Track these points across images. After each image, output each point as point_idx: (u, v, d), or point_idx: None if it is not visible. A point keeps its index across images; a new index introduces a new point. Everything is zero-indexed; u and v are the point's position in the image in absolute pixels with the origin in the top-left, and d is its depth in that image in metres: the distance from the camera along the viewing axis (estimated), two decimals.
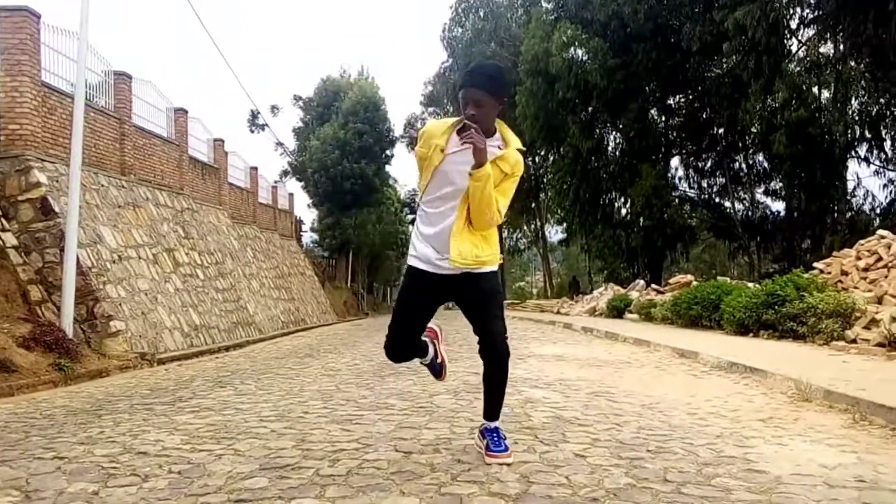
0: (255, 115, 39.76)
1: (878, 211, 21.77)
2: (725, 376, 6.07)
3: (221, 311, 14.27)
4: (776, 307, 8.84)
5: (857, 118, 20.41)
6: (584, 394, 5.22)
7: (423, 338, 3.41)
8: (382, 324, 3.26)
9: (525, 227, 42.76)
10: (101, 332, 9.23)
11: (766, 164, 25.39)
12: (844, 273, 9.50)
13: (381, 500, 2.61)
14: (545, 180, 34.42)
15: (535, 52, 24.17)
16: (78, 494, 2.80)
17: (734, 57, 20.19)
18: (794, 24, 20.63)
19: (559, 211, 31.38)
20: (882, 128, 20.38)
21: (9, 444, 3.88)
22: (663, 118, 27.15)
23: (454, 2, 34.69)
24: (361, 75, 37.34)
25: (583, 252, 35.59)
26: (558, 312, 22.06)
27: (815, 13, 19.88)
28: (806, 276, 9.73)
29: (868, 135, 20.73)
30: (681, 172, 28.34)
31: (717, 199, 27.71)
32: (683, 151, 27.71)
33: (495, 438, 3.15)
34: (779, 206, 25.84)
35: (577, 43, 23.70)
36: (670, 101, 26.74)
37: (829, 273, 9.77)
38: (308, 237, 38.92)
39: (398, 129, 39.15)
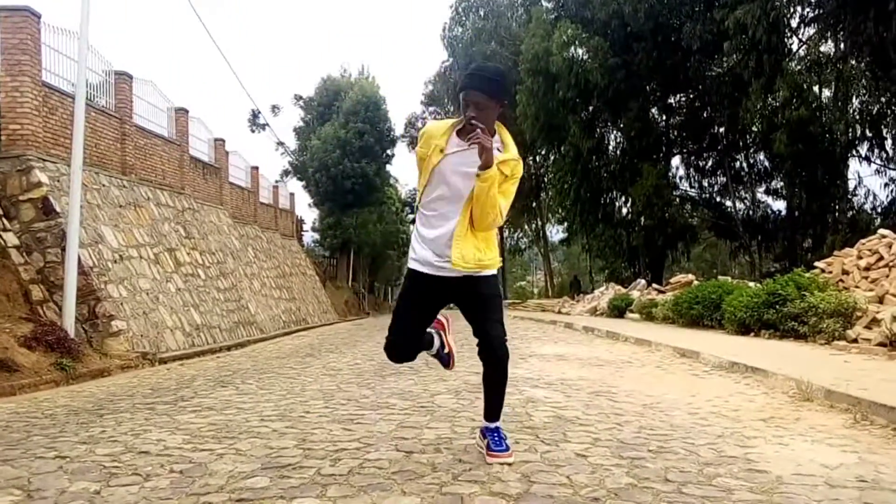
0: (255, 115, 39.81)
1: (879, 210, 21.74)
2: (726, 376, 6.07)
3: (223, 310, 14.28)
4: (777, 307, 8.84)
5: (857, 117, 20.39)
6: (585, 393, 5.22)
7: (429, 330, 3.42)
8: (384, 323, 3.27)
9: (526, 227, 42.79)
10: (102, 332, 9.24)
11: (766, 163, 25.36)
12: (845, 272, 9.49)
13: (383, 499, 2.61)
14: (546, 180, 34.41)
15: (535, 52, 24.16)
16: (80, 494, 2.80)
17: (735, 56, 20.17)
18: (794, 23, 20.62)
19: (560, 210, 31.36)
20: (883, 127, 20.35)
21: (11, 444, 3.88)
22: (664, 117, 27.13)
23: (454, 1, 34.69)
24: (362, 75, 37.35)
25: (584, 251, 35.60)
26: (559, 312, 22.06)
27: (816, 12, 19.86)
28: (807, 275, 9.72)
29: (869, 134, 20.71)
30: (682, 172, 28.35)
31: (717, 199, 27.69)
32: (684, 150, 27.68)
33: (496, 438, 3.16)
34: (780, 205, 25.86)
35: (577, 42, 23.68)
36: (671, 101, 26.71)
37: (831, 272, 9.76)
38: (309, 237, 38.98)
39: (399, 129, 39.18)
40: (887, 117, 20.08)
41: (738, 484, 2.73)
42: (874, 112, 20.10)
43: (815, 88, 20.77)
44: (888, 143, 20.90)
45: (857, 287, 8.90)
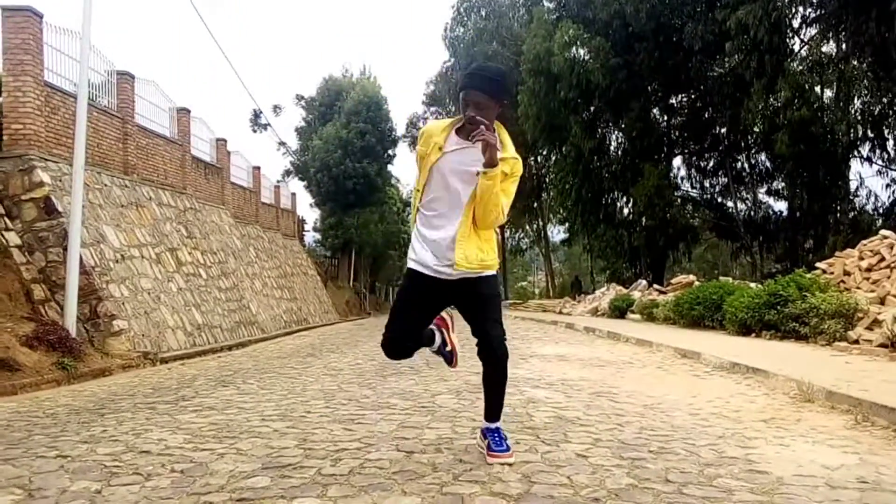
0: (257, 115, 39.87)
1: (880, 211, 21.73)
2: (727, 377, 6.07)
3: (224, 310, 14.29)
4: (778, 307, 8.83)
5: (859, 118, 20.38)
6: (586, 394, 5.22)
7: (430, 326, 3.42)
8: (384, 323, 3.26)
9: (527, 227, 42.79)
10: (104, 332, 9.25)
11: (768, 164, 25.35)
12: (847, 273, 9.48)
13: (383, 499, 2.61)
14: (547, 180, 34.41)
15: (536, 52, 24.16)
16: (81, 493, 2.81)
17: (736, 56, 20.17)
18: (796, 24, 20.61)
19: (561, 211, 31.37)
20: (885, 127, 20.34)
21: (12, 443, 3.89)
22: (665, 118, 27.12)
23: (456, 1, 34.72)
24: (364, 75, 37.36)
25: (585, 252, 35.60)
26: (560, 312, 22.05)
27: (818, 12, 19.85)
28: (808, 276, 9.71)
29: (871, 134, 20.70)
30: (683, 172, 28.34)
31: (719, 199, 27.68)
32: (686, 151, 27.67)
33: (497, 438, 3.16)
34: (781, 205, 25.85)
35: (578, 42, 23.68)
36: (672, 101, 26.70)
37: (832, 273, 9.75)
38: (310, 237, 39.01)
39: (400, 129, 39.20)
40: (889, 118, 20.07)
41: (738, 485, 2.73)
42: (876, 113, 20.09)
43: (817, 89, 20.76)
44: (890, 144, 20.91)
45: (858, 288, 8.89)
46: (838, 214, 21.33)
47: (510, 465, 3.04)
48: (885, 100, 19.58)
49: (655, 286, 18.90)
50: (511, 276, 55.09)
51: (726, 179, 26.25)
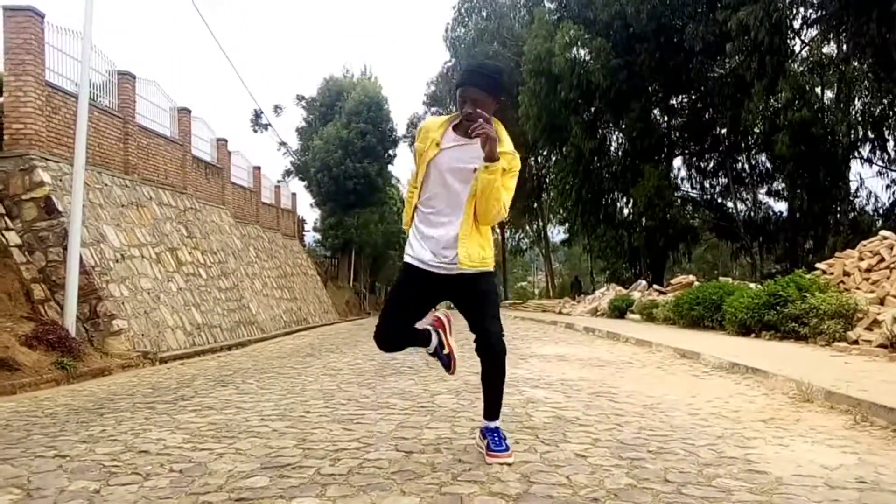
0: (258, 115, 39.88)
1: (880, 212, 21.74)
2: (727, 377, 6.07)
3: (224, 310, 14.29)
4: (778, 308, 8.83)
5: (860, 119, 20.39)
6: (585, 394, 5.22)
7: (426, 327, 3.41)
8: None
9: (527, 227, 42.81)
10: (103, 331, 9.25)
11: (768, 165, 25.36)
12: (847, 274, 9.48)
13: (382, 499, 2.61)
14: (547, 180, 34.43)
15: (537, 52, 24.16)
16: (79, 493, 2.81)
17: (737, 57, 20.18)
18: (797, 25, 20.63)
19: (561, 211, 31.38)
20: (885, 128, 20.35)
21: (11, 443, 3.89)
22: (666, 118, 27.13)
23: (457, 2, 34.73)
24: (364, 75, 37.37)
25: (585, 252, 35.61)
26: (560, 312, 22.05)
27: (818, 13, 19.86)
28: (808, 276, 9.71)
29: (871, 135, 20.71)
30: (683, 173, 28.36)
31: (719, 200, 27.70)
32: (686, 152, 27.68)
33: (496, 438, 3.16)
34: (781, 206, 25.85)
35: (579, 43, 23.69)
36: (673, 102, 26.71)
37: (832, 274, 9.75)
38: (310, 237, 39.00)
39: (401, 129, 39.22)
40: (889, 119, 20.07)
41: (737, 485, 2.73)
42: (876, 114, 20.10)
43: (818, 90, 20.78)
44: (890, 145, 20.92)
45: (857, 289, 8.89)
46: (838, 215, 21.33)
47: (509, 465, 3.04)
48: (885, 101, 19.59)
49: (655, 286, 18.90)
50: (511, 277, 55.09)
51: (726, 180, 26.26)
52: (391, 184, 39.53)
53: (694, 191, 28.22)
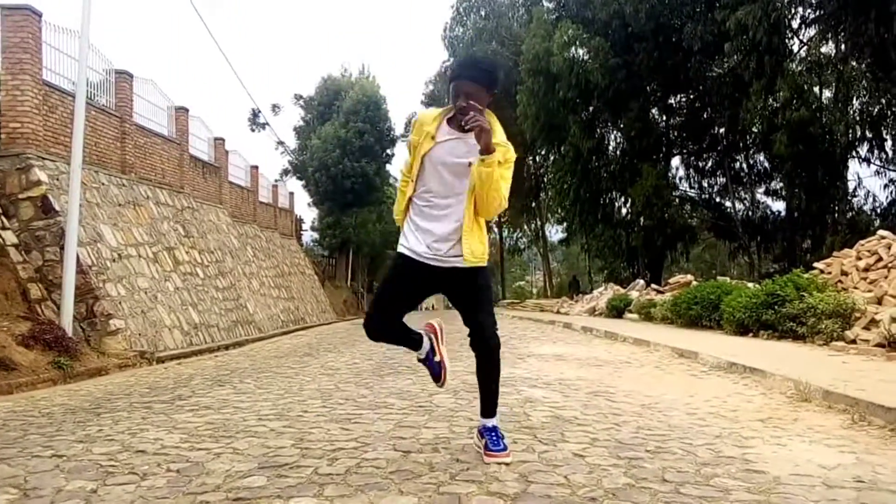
0: (255, 114, 39.80)
1: (878, 211, 21.75)
2: (725, 376, 6.07)
3: (221, 309, 14.27)
4: (776, 307, 8.83)
5: (858, 118, 20.39)
6: (583, 393, 5.21)
7: (419, 331, 3.38)
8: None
9: (525, 227, 42.77)
10: (100, 331, 9.23)
11: (766, 164, 25.37)
12: (844, 273, 9.49)
13: (380, 499, 2.61)
14: (546, 180, 34.40)
15: (536, 52, 24.15)
16: (76, 492, 2.80)
17: (735, 56, 20.17)
18: (795, 24, 20.63)
19: (559, 210, 31.37)
20: (883, 128, 20.35)
21: (7, 442, 3.88)
22: (664, 118, 27.13)
23: (455, 1, 34.69)
24: (362, 74, 37.37)
25: (583, 252, 35.59)
26: (558, 312, 22.05)
27: (817, 13, 19.87)
28: (806, 276, 9.71)
29: (869, 135, 20.71)
30: (681, 172, 28.36)
31: (717, 199, 27.71)
32: (684, 151, 27.69)
33: (494, 438, 3.15)
34: (779, 205, 25.85)
35: (578, 42, 23.68)
36: (671, 101, 26.71)
37: (829, 273, 9.76)
38: (308, 236, 38.96)
39: (399, 129, 39.15)
40: (887, 118, 20.08)
41: (735, 484, 2.72)
42: (874, 113, 20.10)
43: (816, 89, 20.76)
44: (888, 145, 20.92)
45: (855, 288, 8.90)
46: (836, 214, 21.33)
47: (507, 464, 3.03)
48: (883, 100, 19.60)
49: (653, 286, 18.90)
50: (509, 276, 55.14)
51: (724, 179, 26.28)
52: (389, 183, 39.51)
53: (692, 190, 28.25)
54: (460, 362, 7.06)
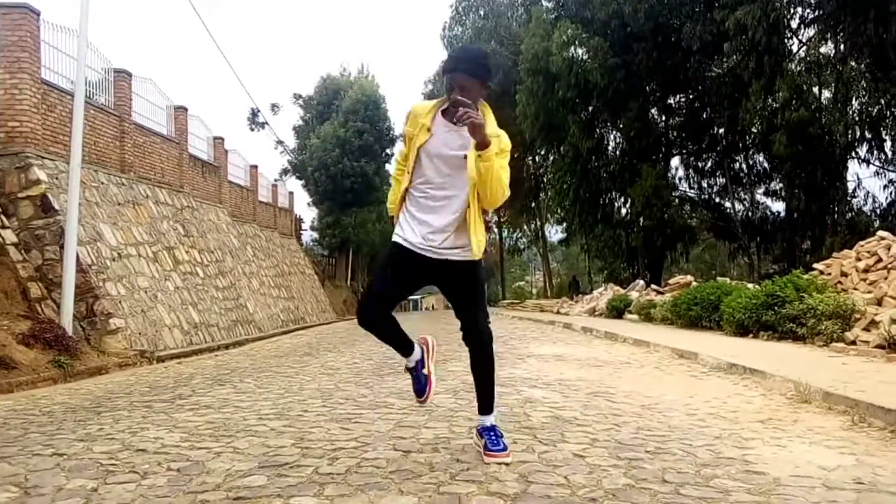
0: (255, 114, 39.81)
1: (878, 212, 21.75)
2: (725, 377, 6.07)
3: (221, 309, 14.27)
4: (776, 308, 8.83)
5: (857, 118, 20.39)
6: (583, 394, 5.21)
7: (414, 341, 3.35)
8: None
9: (525, 227, 42.77)
10: (100, 330, 9.23)
11: (766, 165, 25.37)
12: (844, 274, 9.49)
13: (380, 498, 2.61)
14: (545, 180, 34.41)
15: (535, 51, 24.15)
16: (77, 491, 2.80)
17: (735, 56, 20.17)
18: (794, 24, 20.63)
19: (559, 210, 31.37)
20: (882, 128, 20.35)
21: (8, 441, 3.88)
22: (663, 118, 27.13)
23: (454, 0, 34.68)
24: (362, 73, 37.38)
25: (583, 252, 35.60)
26: (558, 312, 22.05)
27: (816, 13, 19.87)
28: (806, 277, 9.72)
29: (868, 135, 20.70)
30: (681, 172, 28.35)
31: (717, 200, 27.70)
32: (684, 151, 27.69)
33: (493, 437, 3.15)
34: (779, 206, 25.85)
35: (577, 42, 23.67)
36: (671, 101, 26.71)
37: (829, 274, 9.76)
38: (308, 236, 38.97)
39: (398, 128, 39.11)
40: (887, 119, 20.08)
41: (735, 485, 2.73)
42: (874, 113, 20.10)
43: (815, 90, 20.76)
44: (887, 145, 20.92)
45: (855, 289, 8.90)
46: (836, 215, 21.33)
47: (507, 464, 3.03)
48: (882, 101, 19.59)
49: (653, 286, 18.90)
50: (508, 276, 55.13)
51: (724, 180, 26.28)
52: (389, 183, 39.44)
53: (692, 190, 28.25)
54: (460, 362, 7.07)
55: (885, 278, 8.57)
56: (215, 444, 3.65)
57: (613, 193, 26.88)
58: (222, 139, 19.33)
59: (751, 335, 9.29)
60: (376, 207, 35.69)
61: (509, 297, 41.88)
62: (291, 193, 29.91)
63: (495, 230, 39.77)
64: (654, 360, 7.77)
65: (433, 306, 62.14)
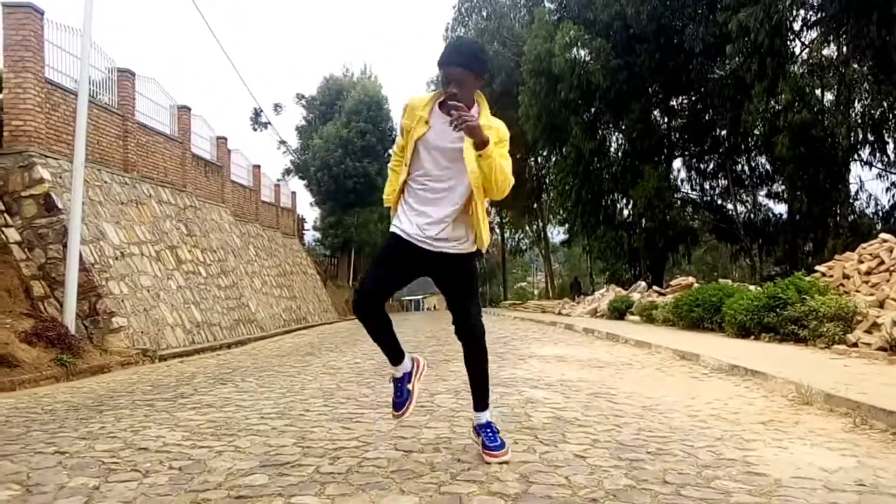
0: (258, 114, 39.89)
1: (880, 214, 21.73)
2: (726, 379, 6.07)
3: (223, 308, 14.29)
4: (777, 310, 8.82)
5: (860, 121, 20.36)
6: (584, 395, 5.21)
7: (406, 353, 3.33)
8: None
9: (527, 228, 42.79)
10: (103, 328, 9.25)
11: (768, 167, 25.36)
12: (846, 276, 9.48)
13: (381, 498, 2.61)
14: (547, 181, 34.42)
15: (537, 53, 24.16)
16: (78, 489, 2.81)
17: (737, 58, 20.17)
18: (797, 26, 20.60)
19: (561, 212, 31.38)
20: (885, 131, 20.33)
21: (10, 439, 3.89)
22: (666, 119, 27.13)
23: (457, 1, 34.69)
24: (364, 74, 37.40)
25: (584, 253, 35.61)
26: (560, 313, 22.05)
27: (819, 15, 19.85)
28: (807, 279, 9.71)
29: (871, 138, 20.68)
30: (683, 174, 28.36)
31: (719, 202, 27.70)
32: (686, 153, 27.68)
33: (489, 434, 3.16)
34: (781, 208, 25.83)
35: (579, 43, 23.69)
36: (673, 103, 26.71)
37: (831, 276, 9.76)
38: (310, 235, 39.02)
39: None
40: (889, 121, 20.06)
41: (736, 486, 2.73)
42: (876, 116, 20.07)
43: (818, 92, 20.76)
44: (890, 148, 20.91)
45: (857, 291, 8.90)
46: (838, 218, 21.31)
47: (507, 462, 3.05)
48: (885, 103, 19.57)
49: (655, 288, 18.89)
50: (510, 277, 55.12)
51: (726, 182, 26.26)
52: None
53: (694, 192, 28.25)
54: (459, 362, 7.06)
55: (888, 281, 8.56)
56: (217, 442, 3.66)
57: (615, 195, 26.88)
58: (225, 139, 19.36)
59: (752, 337, 9.28)
60: (378, 208, 35.68)
61: (511, 298, 41.88)
62: (294, 193, 29.96)
63: (497, 231, 39.76)
64: (655, 361, 7.76)
65: (434, 306, 62.16)
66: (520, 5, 32.87)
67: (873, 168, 21.60)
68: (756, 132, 22.97)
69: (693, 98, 25.84)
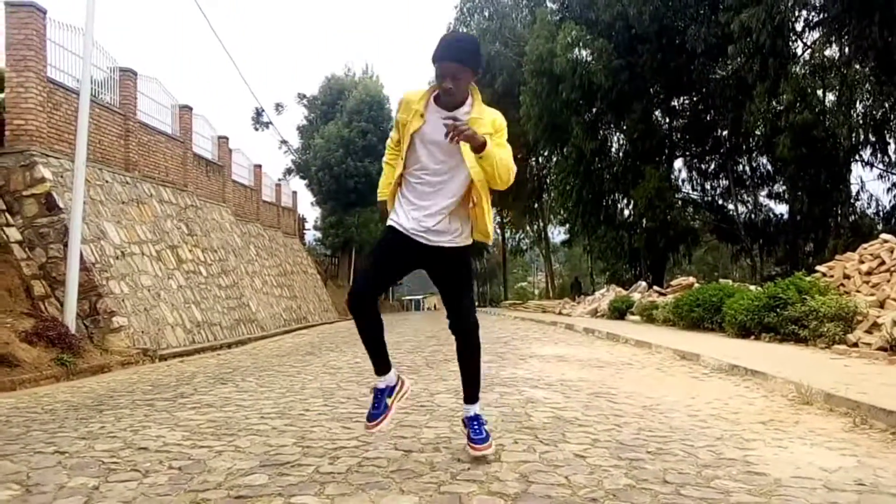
0: (259, 113, 39.92)
1: (881, 215, 21.71)
2: (726, 379, 6.07)
3: (224, 307, 14.29)
4: (778, 310, 8.82)
5: (861, 121, 20.33)
6: (584, 394, 5.21)
7: (393, 367, 3.30)
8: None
9: (527, 228, 42.79)
10: (103, 328, 9.26)
11: (769, 167, 25.33)
12: (847, 277, 9.48)
13: (381, 498, 2.61)
14: (548, 181, 34.41)
15: (539, 53, 24.16)
16: (78, 489, 2.81)
17: (739, 59, 20.14)
18: (799, 27, 20.59)
19: (562, 212, 31.39)
20: (886, 132, 20.31)
21: (10, 439, 3.89)
22: (667, 119, 27.11)
23: (459, 1, 34.69)
24: (366, 74, 37.41)
25: (585, 253, 35.62)
26: (560, 313, 22.04)
27: (821, 16, 19.84)
28: (808, 279, 9.70)
29: (872, 138, 20.65)
30: (684, 174, 28.33)
31: (720, 202, 27.68)
32: (687, 153, 27.66)
33: (475, 427, 3.17)
34: (782, 208, 25.81)
35: (581, 43, 23.68)
36: (674, 103, 26.69)
37: (832, 276, 9.75)
38: (311, 235, 39.03)
39: None
40: (891, 122, 20.04)
41: (736, 486, 2.73)
42: (878, 117, 20.05)
43: (819, 92, 20.73)
44: (891, 148, 20.88)
45: (858, 291, 8.89)
46: (839, 218, 21.29)
47: (489, 455, 3.08)
48: (887, 104, 19.54)
49: (655, 288, 18.88)
50: (511, 277, 55.11)
51: (727, 182, 26.25)
52: None
53: (695, 192, 28.22)
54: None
55: (888, 281, 8.56)
56: (217, 442, 3.66)
57: (616, 195, 26.88)
58: (226, 138, 19.37)
59: (753, 337, 9.28)
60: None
61: (511, 298, 41.88)
62: (295, 193, 29.98)
63: (498, 231, 39.74)
64: (655, 361, 7.76)
65: (435, 306, 62.15)
66: (522, 5, 32.87)
67: (874, 169, 21.59)
68: (757, 132, 22.95)
69: (694, 98, 25.83)
